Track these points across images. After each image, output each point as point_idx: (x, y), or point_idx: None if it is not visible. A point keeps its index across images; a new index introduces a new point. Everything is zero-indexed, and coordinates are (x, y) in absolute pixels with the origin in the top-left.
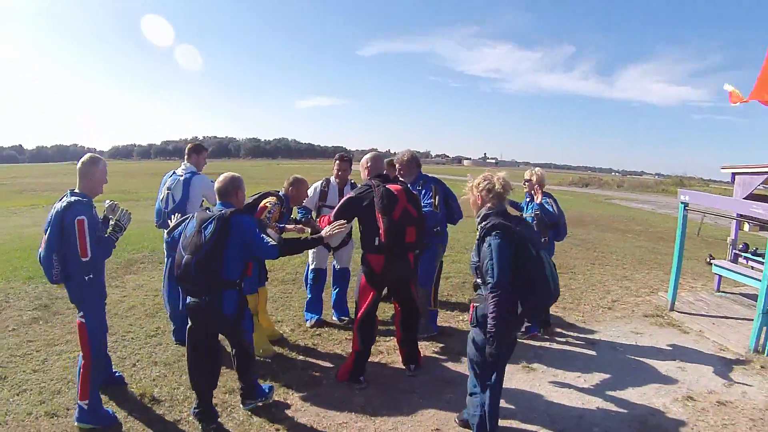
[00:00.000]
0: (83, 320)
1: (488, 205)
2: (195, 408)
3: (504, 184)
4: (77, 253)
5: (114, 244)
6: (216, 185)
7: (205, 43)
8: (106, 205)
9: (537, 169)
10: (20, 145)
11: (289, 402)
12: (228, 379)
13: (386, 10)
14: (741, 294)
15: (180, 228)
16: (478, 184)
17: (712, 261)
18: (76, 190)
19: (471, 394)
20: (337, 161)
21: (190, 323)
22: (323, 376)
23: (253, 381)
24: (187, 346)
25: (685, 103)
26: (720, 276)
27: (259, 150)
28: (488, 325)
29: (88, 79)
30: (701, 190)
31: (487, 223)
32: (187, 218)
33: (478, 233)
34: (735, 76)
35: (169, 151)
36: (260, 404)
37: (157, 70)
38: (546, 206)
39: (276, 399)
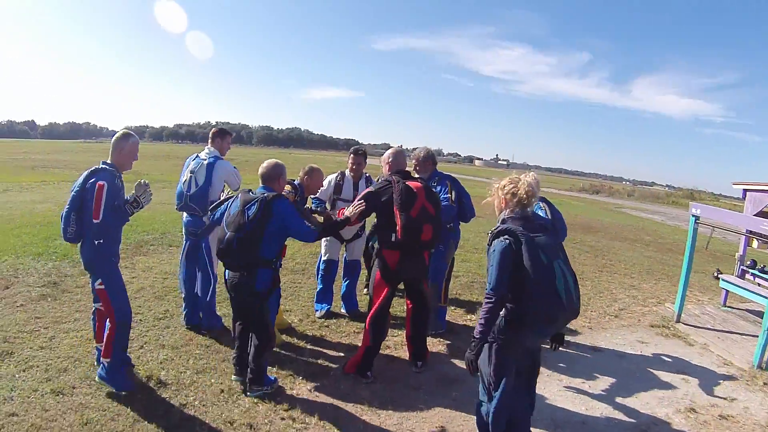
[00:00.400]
0: (101, 286)
1: (510, 209)
2: (249, 374)
3: (529, 191)
4: (89, 215)
5: (128, 217)
6: (260, 170)
7: (220, 29)
8: (137, 183)
9: (530, 174)
10: (33, 121)
11: (295, 392)
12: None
13: (401, 5)
14: (747, 310)
15: (222, 208)
16: (504, 186)
17: (719, 276)
18: (108, 161)
19: (480, 402)
20: (352, 155)
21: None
22: (330, 367)
23: (264, 367)
24: (233, 317)
25: (697, 117)
26: (727, 291)
27: (271, 138)
28: (475, 330)
29: (104, 59)
30: (711, 204)
31: (497, 228)
32: (229, 198)
33: (488, 237)
34: (748, 93)
35: (182, 134)
36: (267, 392)
37: (172, 53)
38: (538, 211)
39: (282, 388)
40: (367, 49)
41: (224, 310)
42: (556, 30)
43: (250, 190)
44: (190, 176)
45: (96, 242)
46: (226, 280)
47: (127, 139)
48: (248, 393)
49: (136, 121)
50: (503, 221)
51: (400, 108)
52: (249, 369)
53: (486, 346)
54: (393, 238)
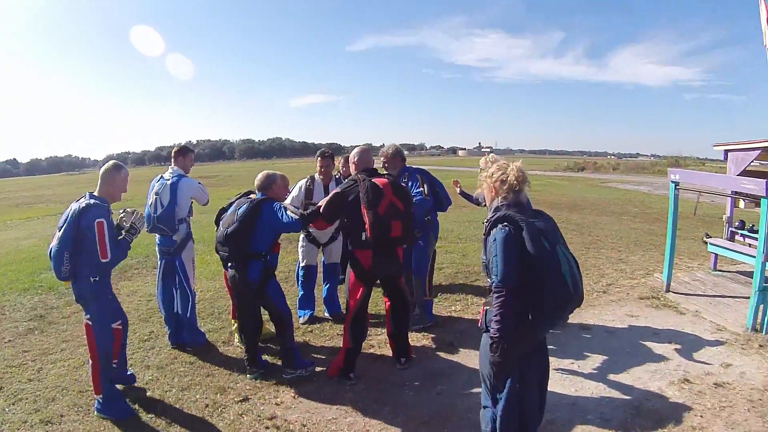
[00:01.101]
0: (89, 322)
1: (502, 196)
2: (245, 356)
3: (519, 176)
4: (90, 255)
5: (129, 246)
6: (255, 182)
7: (195, 46)
8: (121, 213)
9: (491, 155)
10: (14, 159)
11: (279, 399)
12: (219, 379)
13: (373, 4)
14: (738, 272)
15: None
16: (492, 174)
17: (707, 240)
18: (95, 194)
19: (484, 407)
20: (319, 158)
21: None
22: (314, 372)
23: (292, 349)
24: (236, 309)
25: (677, 83)
26: (716, 255)
27: (253, 151)
28: (491, 330)
29: (81, 89)
30: (697, 169)
31: (493, 215)
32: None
33: (484, 227)
34: (725, 53)
35: (164, 156)
36: (302, 374)
37: (149, 77)
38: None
39: (266, 395)
40: (341, 51)
41: (208, 325)
42: (527, 12)
43: (248, 197)
44: (155, 198)
45: (92, 279)
46: (228, 275)
47: (119, 170)
48: (284, 375)
49: (117, 149)
50: (496, 209)
51: (381, 108)
52: (280, 353)
53: (486, 343)
54: (363, 237)
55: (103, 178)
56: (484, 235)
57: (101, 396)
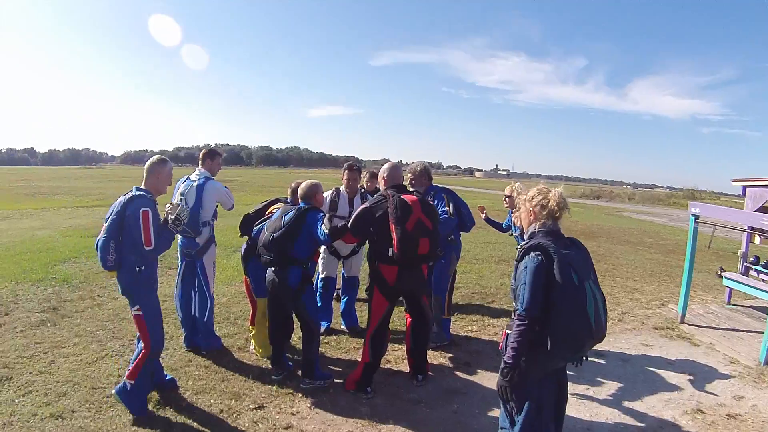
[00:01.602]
0: (139, 312)
1: (540, 222)
2: (270, 357)
3: (560, 201)
4: (134, 243)
5: (173, 237)
6: (299, 191)
7: (218, 50)
8: (167, 206)
9: (517, 184)
10: (32, 148)
11: (294, 409)
12: (234, 385)
13: (397, 21)
14: (752, 307)
15: (260, 226)
16: (532, 198)
17: (722, 274)
18: (142, 187)
19: (501, 428)
20: (346, 171)
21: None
22: (330, 383)
23: (314, 360)
24: (268, 311)
25: (695, 116)
26: (731, 289)
27: (271, 158)
28: (505, 355)
29: (103, 85)
30: (712, 203)
31: (527, 243)
32: (270, 215)
33: (518, 253)
34: (745, 89)
35: (181, 157)
36: (319, 386)
37: (170, 78)
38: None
39: (282, 404)
40: (364, 65)
41: (223, 330)
42: (550, 36)
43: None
44: (181, 198)
45: (137, 269)
46: (266, 278)
47: (165, 164)
48: (302, 385)
49: (135, 146)
50: (531, 235)
51: (399, 123)
52: (302, 362)
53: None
54: (390, 253)
55: (149, 171)
56: (516, 260)
57: (132, 382)
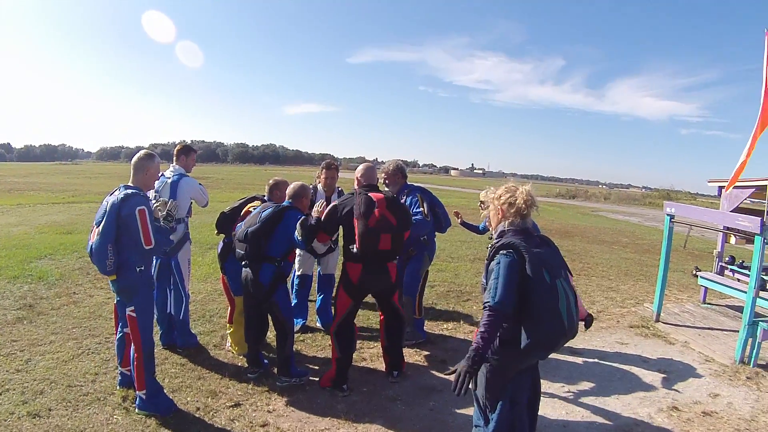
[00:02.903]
0: (133, 314)
1: (509, 220)
2: (247, 355)
3: (527, 199)
4: (133, 243)
5: (170, 232)
6: (288, 190)
7: (195, 47)
8: (155, 203)
9: (492, 189)
10: (8, 144)
11: (271, 407)
12: (210, 383)
13: (376, 18)
14: (727, 306)
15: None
16: (500, 196)
17: (698, 273)
18: (130, 184)
19: (475, 426)
20: (324, 169)
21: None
22: (306, 381)
23: (289, 358)
24: (243, 309)
25: (673, 118)
26: (706, 288)
27: (246, 155)
28: (474, 343)
29: (77, 80)
30: (688, 203)
31: (499, 241)
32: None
33: (488, 252)
34: (724, 91)
35: (157, 153)
36: (295, 383)
37: (147, 72)
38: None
39: (258, 402)
40: (341, 63)
41: (199, 327)
42: (530, 37)
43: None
44: (155, 195)
45: (138, 269)
46: (242, 275)
47: (152, 159)
48: (278, 383)
49: (111, 142)
50: (501, 233)
51: (376, 121)
52: (277, 360)
53: (484, 368)
54: (354, 250)
55: (138, 167)
56: (486, 259)
57: (144, 392)
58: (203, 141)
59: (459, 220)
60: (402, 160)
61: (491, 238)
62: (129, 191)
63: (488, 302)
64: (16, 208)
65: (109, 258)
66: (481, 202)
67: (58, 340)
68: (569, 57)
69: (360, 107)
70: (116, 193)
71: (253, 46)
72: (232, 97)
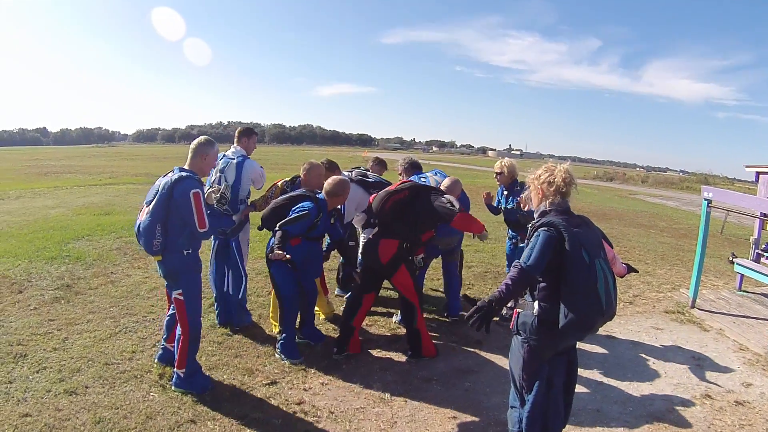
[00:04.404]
0: (181, 297)
1: (549, 200)
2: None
3: (566, 178)
4: (183, 226)
5: (221, 216)
6: (326, 186)
7: (227, 29)
8: (209, 188)
9: (506, 160)
10: (44, 128)
11: (307, 385)
12: (247, 361)
13: None
14: (763, 294)
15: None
16: (540, 175)
17: (734, 260)
18: (186, 167)
19: (511, 407)
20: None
21: None
22: (342, 360)
23: (285, 335)
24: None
25: (710, 101)
26: (742, 275)
27: (284, 136)
28: (495, 292)
29: (114, 63)
30: (726, 188)
31: (538, 221)
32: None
33: (528, 231)
34: (761, 74)
35: (194, 135)
36: (285, 362)
37: (179, 57)
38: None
39: (294, 380)
40: (375, 43)
41: (252, 306)
42: (564, 17)
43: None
44: (219, 175)
45: (185, 252)
46: None
47: (212, 146)
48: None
49: (148, 124)
50: (542, 213)
51: (412, 101)
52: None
53: (517, 345)
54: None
55: (195, 152)
56: (527, 239)
57: (183, 370)
58: (240, 122)
59: (485, 201)
60: (439, 141)
61: (502, 209)
62: (184, 174)
63: (519, 263)
64: (53, 190)
65: (157, 238)
66: (498, 173)
67: (96, 319)
68: (604, 37)
69: (394, 87)
70: (170, 174)
71: (283, 27)
72: (267, 79)
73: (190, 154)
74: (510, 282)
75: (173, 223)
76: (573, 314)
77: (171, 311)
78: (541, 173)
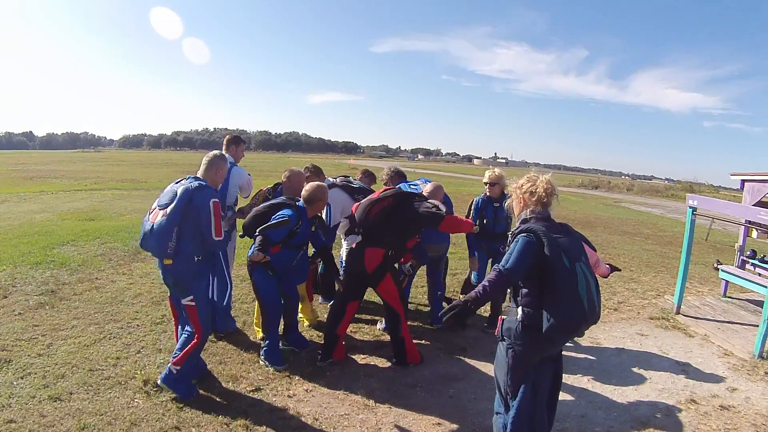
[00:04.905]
0: (193, 303)
1: (530, 209)
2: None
3: (547, 188)
4: (196, 233)
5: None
6: (304, 193)
7: (215, 34)
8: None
9: (497, 170)
10: (31, 132)
11: (292, 391)
12: (231, 368)
13: (399, 7)
14: (747, 300)
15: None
16: (522, 185)
17: (719, 266)
18: (200, 177)
19: (496, 413)
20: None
21: None
22: (327, 367)
23: (269, 337)
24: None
25: (696, 110)
26: (727, 281)
27: (269, 143)
28: (472, 293)
29: (100, 67)
30: (711, 196)
31: (518, 228)
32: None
33: (509, 238)
34: (747, 84)
35: (180, 141)
36: (270, 368)
37: (168, 60)
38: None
39: (279, 387)
40: (364, 52)
41: (237, 312)
42: (553, 27)
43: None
44: None
45: (196, 258)
46: None
47: (225, 161)
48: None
49: (134, 130)
50: (523, 221)
51: (399, 109)
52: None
53: (502, 351)
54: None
55: (211, 164)
56: (507, 245)
57: (179, 368)
58: (226, 128)
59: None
60: (425, 149)
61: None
62: (203, 183)
63: (498, 266)
64: (38, 195)
65: (172, 240)
66: (492, 183)
67: (80, 324)
68: (592, 47)
69: (383, 96)
70: (186, 182)
71: (274, 34)
72: (255, 86)
73: (204, 166)
74: (487, 284)
75: (186, 229)
76: (555, 319)
77: (188, 330)
78: (523, 183)
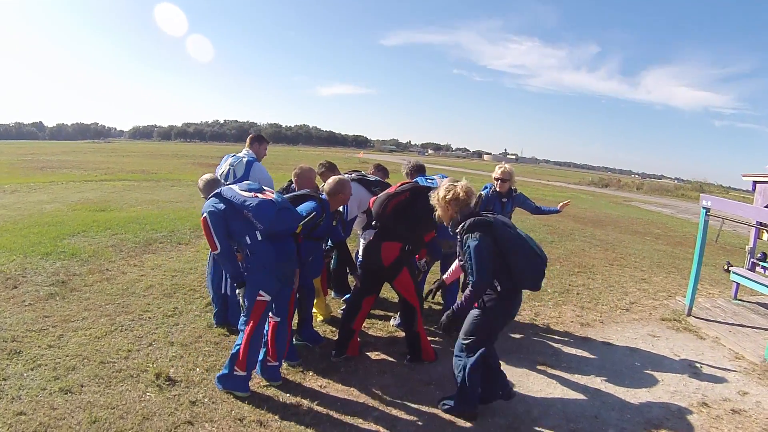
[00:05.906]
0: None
1: (457, 211)
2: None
3: (467, 191)
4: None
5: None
6: (326, 187)
7: (226, 27)
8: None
9: (508, 166)
10: (41, 122)
11: (306, 386)
12: None
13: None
14: (758, 303)
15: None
16: (444, 196)
17: (730, 268)
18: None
19: (456, 356)
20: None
21: None
22: (341, 363)
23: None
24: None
25: (708, 109)
26: (738, 284)
27: (280, 136)
28: (457, 303)
29: (111, 59)
30: (721, 196)
31: (464, 226)
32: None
33: (459, 236)
34: (760, 83)
35: (190, 133)
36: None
37: (179, 52)
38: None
39: (293, 382)
40: (375, 45)
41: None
42: (564, 22)
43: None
44: (229, 168)
45: None
46: None
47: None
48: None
49: (144, 121)
50: (456, 222)
51: (410, 104)
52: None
53: (476, 313)
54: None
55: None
56: (459, 242)
57: (244, 374)
58: (236, 121)
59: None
60: (435, 143)
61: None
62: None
63: (471, 282)
64: (48, 185)
65: None
66: (504, 179)
67: (91, 316)
68: (604, 43)
69: (394, 89)
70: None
71: (284, 27)
72: (265, 79)
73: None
74: (466, 300)
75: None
76: (526, 272)
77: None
78: (444, 194)
